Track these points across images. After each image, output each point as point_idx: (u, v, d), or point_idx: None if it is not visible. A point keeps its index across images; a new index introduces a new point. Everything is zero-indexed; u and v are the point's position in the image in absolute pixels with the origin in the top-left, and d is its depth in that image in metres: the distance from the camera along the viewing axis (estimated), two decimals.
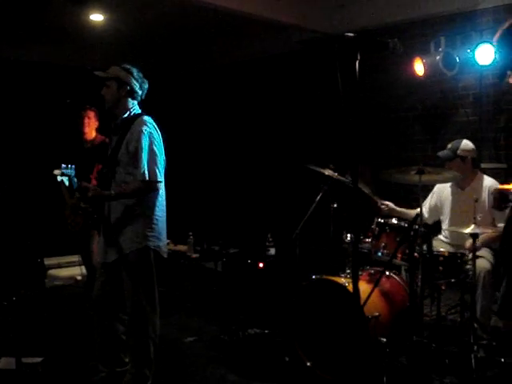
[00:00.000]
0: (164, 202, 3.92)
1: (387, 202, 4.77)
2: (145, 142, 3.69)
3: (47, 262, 7.31)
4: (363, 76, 2.54)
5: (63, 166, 3.54)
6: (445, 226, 4.79)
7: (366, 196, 4.55)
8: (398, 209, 4.78)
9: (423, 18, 5.85)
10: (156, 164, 3.73)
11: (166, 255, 3.95)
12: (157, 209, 3.84)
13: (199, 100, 8.64)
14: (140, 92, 3.90)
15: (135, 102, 3.90)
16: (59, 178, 3.54)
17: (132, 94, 3.85)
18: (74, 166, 3.58)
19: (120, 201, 3.77)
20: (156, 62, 8.09)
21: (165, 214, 3.93)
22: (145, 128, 3.73)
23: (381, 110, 6.35)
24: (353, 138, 2.67)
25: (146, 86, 3.93)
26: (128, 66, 3.88)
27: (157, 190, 3.78)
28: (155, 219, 3.83)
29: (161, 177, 3.78)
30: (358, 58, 2.47)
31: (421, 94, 6.02)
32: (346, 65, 2.56)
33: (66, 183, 3.55)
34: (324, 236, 4.75)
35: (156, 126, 3.85)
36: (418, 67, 5.66)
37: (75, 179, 3.57)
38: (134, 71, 3.87)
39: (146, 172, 3.67)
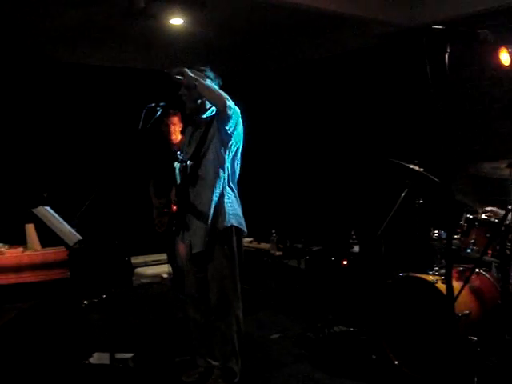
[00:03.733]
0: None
1: (490, 208, 4.37)
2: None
3: (134, 260, 7.55)
4: (446, 69, 2.49)
5: (178, 152, 3.77)
6: None
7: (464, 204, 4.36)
8: (502, 212, 4.38)
9: (507, 6, 5.64)
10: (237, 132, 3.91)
11: (245, 233, 4.09)
12: (235, 190, 4.00)
13: (279, 99, 8.66)
14: None
15: None
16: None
17: None
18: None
19: (204, 185, 3.91)
20: (234, 63, 8.17)
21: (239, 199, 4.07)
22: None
23: (466, 102, 6.16)
24: (444, 134, 2.61)
25: (221, 82, 4.05)
26: (205, 68, 3.99)
27: (229, 115, 3.80)
28: (235, 197, 4.00)
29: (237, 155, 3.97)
30: (448, 50, 2.42)
31: (507, 85, 5.80)
32: (431, 57, 2.52)
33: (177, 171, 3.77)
34: (409, 232, 4.66)
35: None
36: (504, 57, 5.46)
37: None
38: (211, 72, 4.00)
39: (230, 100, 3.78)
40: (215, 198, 3.90)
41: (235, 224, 3.95)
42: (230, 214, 3.92)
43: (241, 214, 4.03)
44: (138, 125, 3.72)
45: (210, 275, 3.95)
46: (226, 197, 3.93)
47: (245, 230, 4.04)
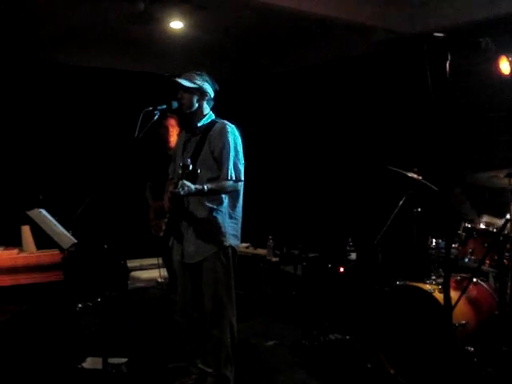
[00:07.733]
0: (242, 203, 4.03)
1: (486, 218, 4.30)
2: (230, 143, 3.84)
3: (130, 264, 7.51)
4: (446, 77, 2.47)
5: (189, 160, 3.74)
6: None
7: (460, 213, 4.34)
8: (499, 221, 4.22)
9: (507, 14, 5.62)
10: (241, 164, 3.89)
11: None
12: (238, 209, 3.98)
13: (276, 104, 8.64)
14: (213, 96, 4.04)
15: (209, 107, 4.04)
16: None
17: (209, 100, 4.01)
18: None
19: (202, 202, 3.86)
20: (232, 67, 8.16)
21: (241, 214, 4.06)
22: (228, 129, 3.88)
23: (464, 111, 6.14)
24: (443, 142, 2.59)
25: (217, 87, 4.05)
26: (202, 73, 3.98)
27: (239, 189, 3.91)
28: (236, 218, 3.97)
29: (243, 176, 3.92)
30: (449, 58, 2.40)
31: (507, 94, 5.78)
32: (432, 65, 2.50)
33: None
34: (407, 241, 4.64)
35: (235, 128, 3.97)
36: (504, 66, 5.44)
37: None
38: (208, 77, 3.99)
39: (233, 171, 3.81)
40: (214, 211, 3.86)
41: (233, 245, 3.94)
42: (230, 233, 3.92)
43: (239, 235, 4.01)
44: (136, 128, 3.69)
45: (204, 281, 3.91)
46: (228, 216, 3.91)
47: (238, 250, 4.05)
